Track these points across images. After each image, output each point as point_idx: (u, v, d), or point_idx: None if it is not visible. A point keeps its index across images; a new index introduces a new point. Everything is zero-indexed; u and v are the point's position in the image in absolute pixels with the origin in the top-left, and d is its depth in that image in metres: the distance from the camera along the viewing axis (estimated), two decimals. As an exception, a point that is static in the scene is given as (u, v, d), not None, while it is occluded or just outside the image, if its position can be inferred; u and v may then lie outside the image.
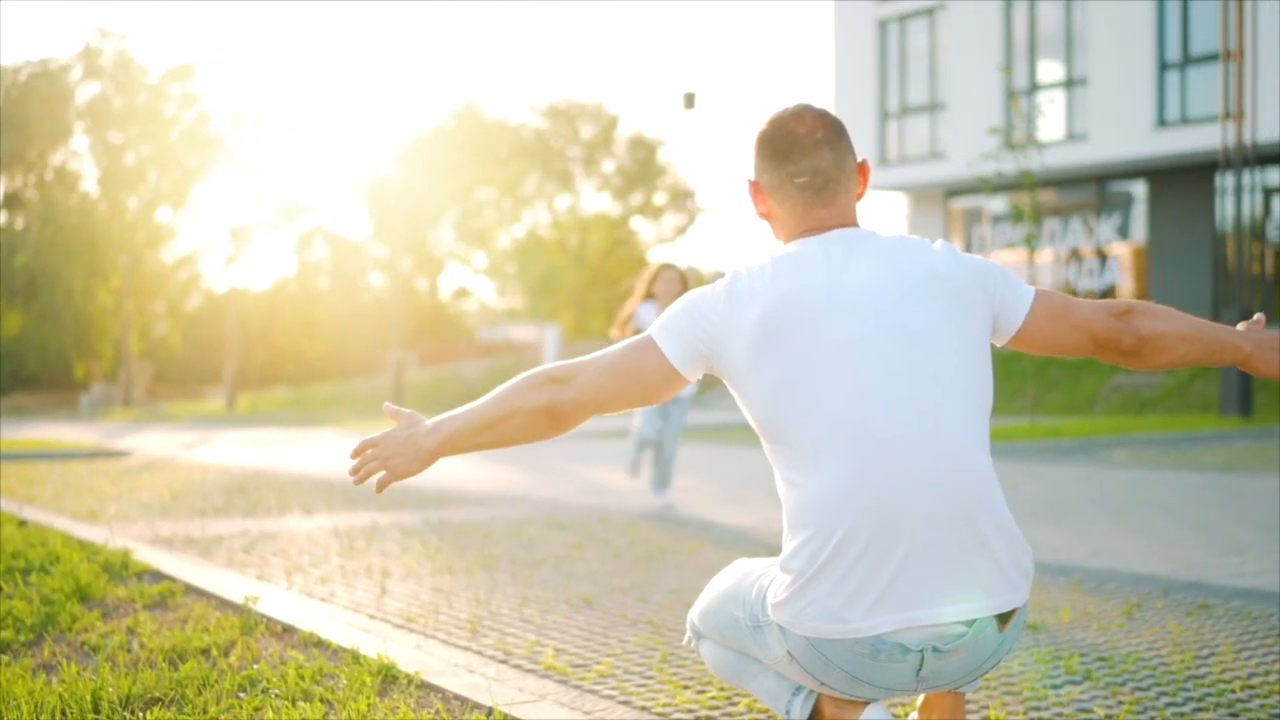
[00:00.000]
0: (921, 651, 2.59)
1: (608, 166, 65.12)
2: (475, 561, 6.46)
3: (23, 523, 7.20)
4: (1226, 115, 18.44)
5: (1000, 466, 12.92)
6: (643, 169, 64.60)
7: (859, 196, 2.85)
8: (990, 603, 2.61)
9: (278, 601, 5.06)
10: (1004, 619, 2.64)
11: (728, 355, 2.70)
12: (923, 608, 2.57)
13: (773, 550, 6.32)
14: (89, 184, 60.27)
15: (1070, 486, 10.80)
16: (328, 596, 5.40)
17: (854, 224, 2.83)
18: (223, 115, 60.92)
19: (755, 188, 2.85)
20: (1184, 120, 25.40)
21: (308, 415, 34.46)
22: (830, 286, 2.67)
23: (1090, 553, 6.77)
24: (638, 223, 65.53)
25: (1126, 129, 26.07)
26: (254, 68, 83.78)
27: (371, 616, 4.94)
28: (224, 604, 5.00)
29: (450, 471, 13.20)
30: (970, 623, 2.60)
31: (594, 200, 65.55)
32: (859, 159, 2.85)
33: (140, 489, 10.58)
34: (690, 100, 31.06)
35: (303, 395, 46.38)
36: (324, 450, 17.51)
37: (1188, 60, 25.47)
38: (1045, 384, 21.93)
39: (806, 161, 2.76)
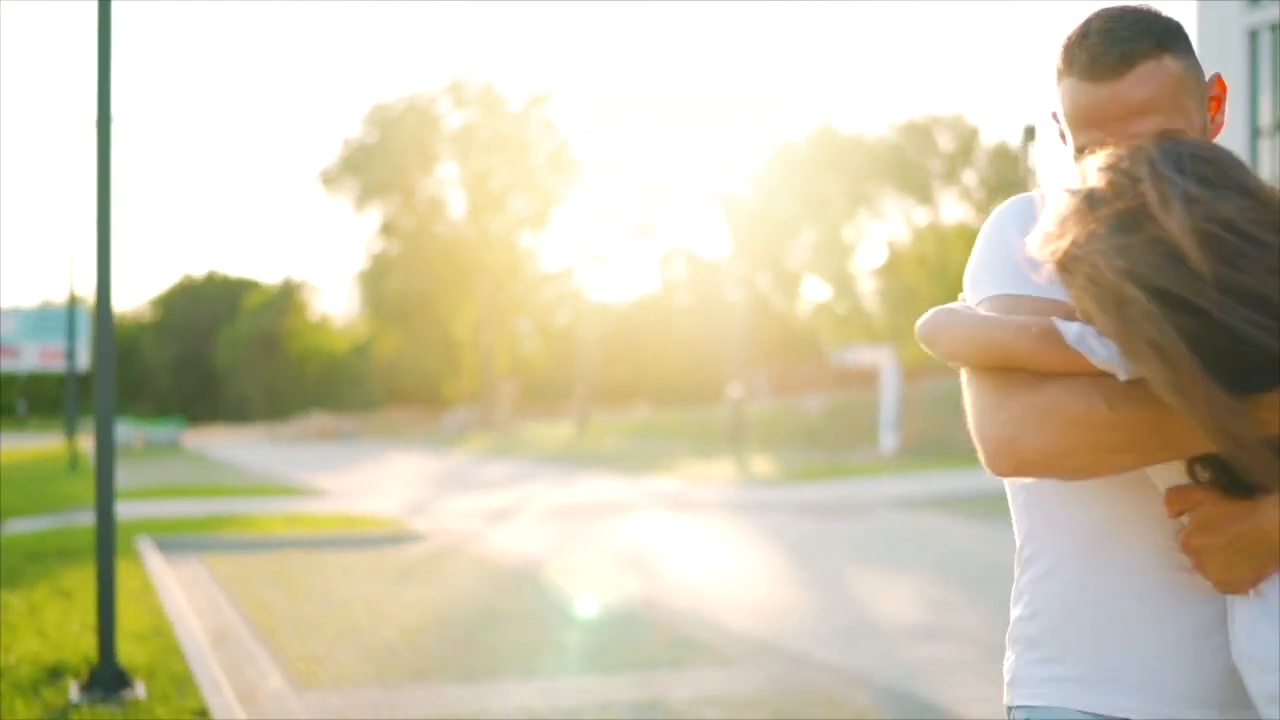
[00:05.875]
0: None
1: (968, 178, 63.12)
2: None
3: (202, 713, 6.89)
4: None
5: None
6: (1006, 180, 62.28)
7: None
8: None
9: None
10: None
11: None
12: None
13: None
14: (456, 210, 62.66)
15: None
16: None
17: None
18: (582, 138, 62.22)
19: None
20: None
21: (649, 451, 34.46)
22: None
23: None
24: (1001, 235, 63.11)
25: None
26: (610, 91, 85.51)
27: None
28: None
29: (713, 588, 12.18)
30: None
31: (954, 212, 63.69)
32: None
33: (391, 615, 10.31)
34: (1031, 133, 29.38)
35: (653, 422, 46.72)
36: (624, 531, 17.17)
37: None
38: None
39: None
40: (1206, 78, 2.07)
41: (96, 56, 6.88)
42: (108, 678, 6.93)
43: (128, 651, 8.13)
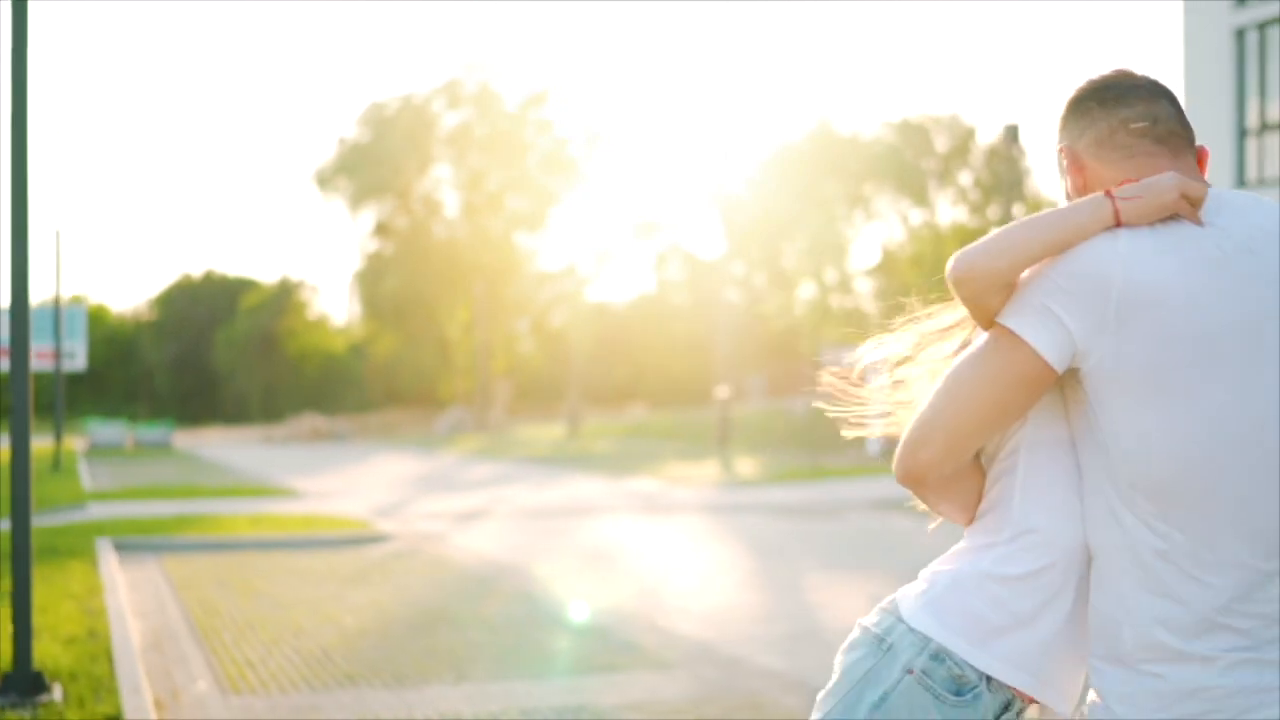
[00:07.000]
0: None
1: (964, 179, 62.94)
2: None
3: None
4: None
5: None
6: (1002, 180, 62.10)
7: None
8: None
9: None
10: None
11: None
12: None
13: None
14: (451, 210, 62.57)
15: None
16: None
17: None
18: (578, 138, 62.07)
19: (1070, 155, 2.33)
20: None
21: (638, 452, 34.44)
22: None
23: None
24: (997, 236, 62.92)
25: None
26: (606, 91, 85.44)
27: None
28: None
29: (668, 591, 12.11)
30: None
31: (950, 213, 63.52)
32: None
33: (335, 618, 10.27)
34: (1013, 133, 29.18)
35: (646, 424, 46.72)
36: (593, 534, 17.13)
37: None
38: None
39: (1143, 107, 2.28)
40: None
41: (11, 56, 6.85)
42: (23, 682, 6.90)
43: (54, 655, 8.10)
